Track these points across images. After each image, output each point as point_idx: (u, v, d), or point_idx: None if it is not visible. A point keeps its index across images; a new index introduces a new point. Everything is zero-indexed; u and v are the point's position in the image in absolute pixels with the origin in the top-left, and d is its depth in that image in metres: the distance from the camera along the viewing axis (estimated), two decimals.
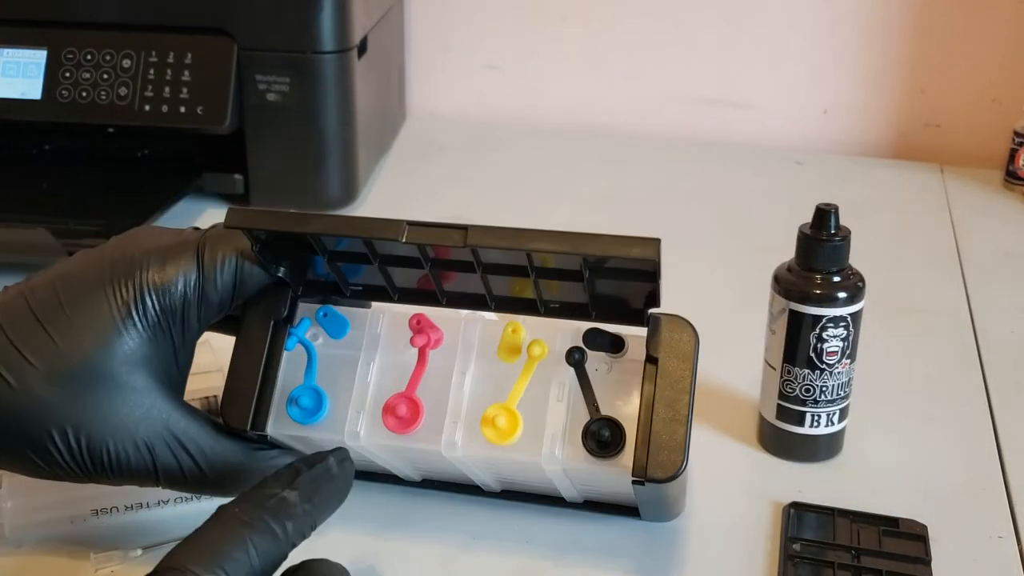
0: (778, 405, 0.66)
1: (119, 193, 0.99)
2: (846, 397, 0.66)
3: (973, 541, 0.62)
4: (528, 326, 0.54)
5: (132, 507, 0.61)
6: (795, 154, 1.20)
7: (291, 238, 0.52)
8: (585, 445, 0.52)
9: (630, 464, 0.51)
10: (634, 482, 0.51)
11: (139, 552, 0.59)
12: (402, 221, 0.50)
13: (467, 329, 0.55)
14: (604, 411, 0.52)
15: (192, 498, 0.62)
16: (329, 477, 0.48)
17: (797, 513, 0.62)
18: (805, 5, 1.19)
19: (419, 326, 0.54)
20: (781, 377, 0.66)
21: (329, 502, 0.48)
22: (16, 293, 0.52)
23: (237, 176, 1.00)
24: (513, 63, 1.28)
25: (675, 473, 0.50)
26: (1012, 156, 1.12)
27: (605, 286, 0.52)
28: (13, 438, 0.50)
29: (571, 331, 0.54)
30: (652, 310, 0.52)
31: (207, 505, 0.62)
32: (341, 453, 0.49)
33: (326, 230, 0.51)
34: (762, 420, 0.69)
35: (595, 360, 0.53)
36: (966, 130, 1.20)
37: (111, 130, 1.02)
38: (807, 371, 0.64)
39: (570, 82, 1.27)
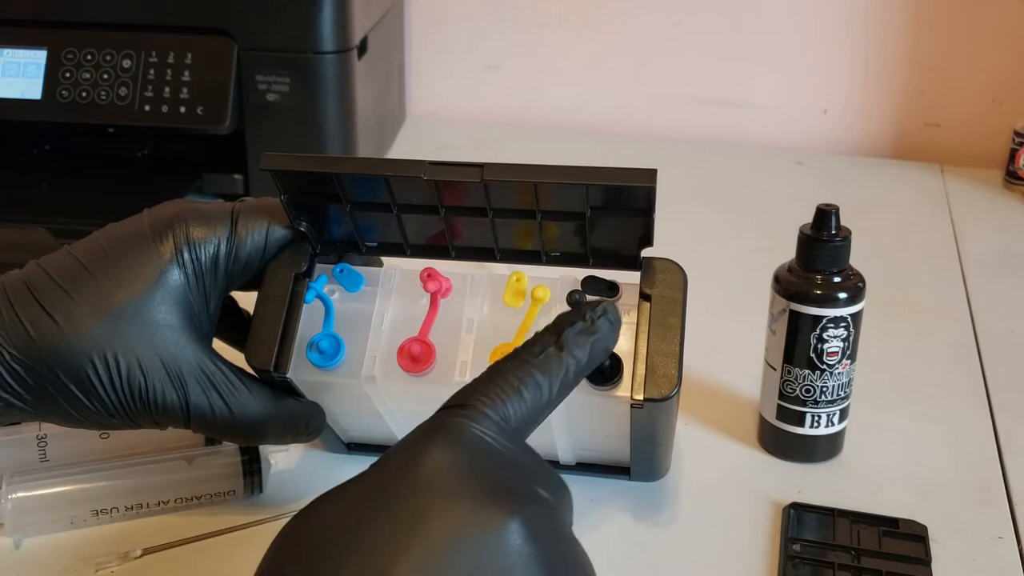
0: (778, 405, 0.66)
1: (119, 193, 0.99)
2: (846, 398, 0.66)
3: (973, 541, 0.62)
4: (530, 277, 0.58)
5: (132, 508, 0.61)
6: (795, 154, 1.20)
7: (319, 183, 0.56)
8: (587, 376, 0.55)
9: (628, 393, 0.54)
10: (633, 405, 0.54)
11: (139, 552, 0.59)
12: (424, 160, 0.54)
13: (474, 279, 0.59)
14: None
15: (193, 502, 0.62)
16: (590, 331, 0.49)
17: (797, 513, 0.62)
18: (805, 5, 1.19)
19: (429, 277, 0.58)
20: (781, 377, 0.66)
21: (592, 355, 0.49)
22: (61, 251, 0.56)
23: (237, 176, 1.00)
24: (513, 63, 1.28)
25: (670, 393, 0.54)
26: (1012, 156, 1.12)
27: (602, 231, 0.56)
28: (56, 373, 0.53)
29: (570, 280, 0.58)
30: (645, 252, 0.57)
31: (206, 510, 0.62)
32: (602, 307, 0.50)
33: (355, 169, 0.55)
34: (762, 420, 0.69)
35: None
36: (966, 130, 1.20)
37: (111, 130, 1.02)
38: (807, 371, 0.64)
39: (570, 82, 1.27)
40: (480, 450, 0.43)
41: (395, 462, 0.42)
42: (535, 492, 0.43)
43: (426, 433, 0.44)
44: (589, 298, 0.57)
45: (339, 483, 0.43)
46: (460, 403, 0.45)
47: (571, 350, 0.48)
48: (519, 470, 0.44)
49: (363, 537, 0.39)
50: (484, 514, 0.40)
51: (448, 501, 0.40)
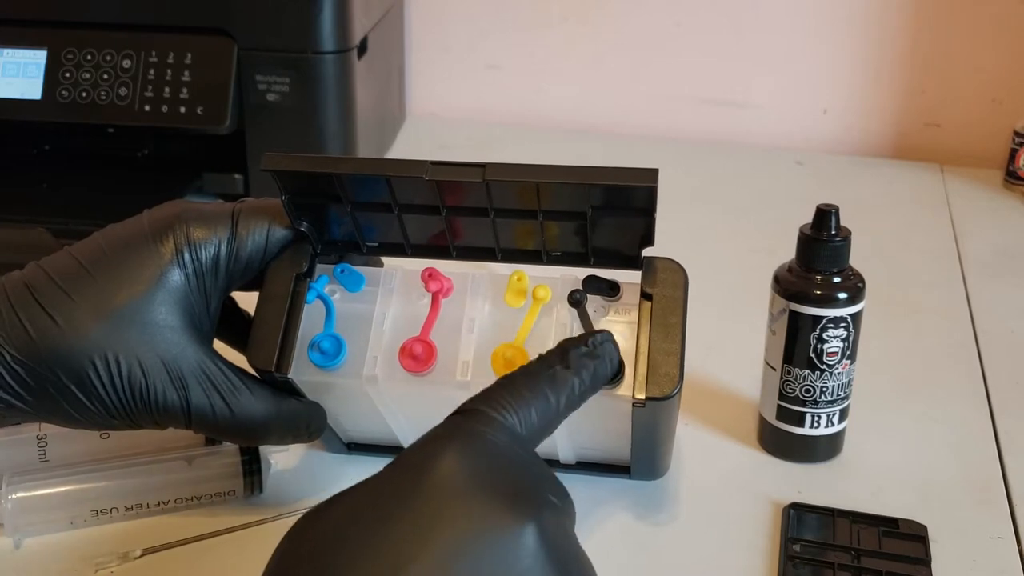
0: (778, 405, 0.66)
1: (119, 193, 0.99)
2: (846, 398, 0.66)
3: (973, 541, 0.62)
4: (531, 277, 0.58)
5: (132, 508, 0.61)
6: (795, 154, 1.20)
7: (320, 184, 0.56)
8: None
9: (630, 392, 0.54)
10: (635, 404, 0.54)
11: (139, 552, 0.59)
12: (426, 161, 0.54)
13: (475, 279, 0.59)
14: None
15: (193, 502, 0.62)
16: (593, 355, 0.51)
17: (797, 513, 0.62)
18: (805, 5, 1.19)
19: (431, 277, 0.58)
20: (781, 377, 0.66)
21: (595, 377, 0.50)
22: (61, 252, 0.56)
23: (237, 176, 1.00)
24: (513, 63, 1.28)
25: (671, 392, 0.54)
26: (1012, 156, 1.12)
27: (604, 231, 0.56)
28: (57, 375, 0.53)
29: (571, 280, 0.58)
30: (646, 251, 0.57)
31: (206, 510, 0.62)
32: (604, 335, 0.52)
33: (356, 170, 0.55)
34: (762, 420, 0.69)
35: (593, 303, 0.57)
36: (966, 130, 1.20)
37: (111, 130, 1.02)
38: (807, 371, 0.64)
39: (570, 82, 1.27)
40: (494, 454, 0.43)
41: (408, 465, 0.42)
42: (547, 497, 0.43)
43: (439, 437, 0.43)
44: (590, 298, 0.57)
45: (340, 484, 0.43)
46: (472, 408, 0.45)
47: (577, 370, 0.49)
48: (531, 475, 0.44)
49: (377, 537, 0.39)
50: (500, 517, 0.40)
51: (464, 503, 0.40)
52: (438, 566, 0.38)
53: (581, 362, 0.50)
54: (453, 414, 0.46)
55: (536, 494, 0.42)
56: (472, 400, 0.46)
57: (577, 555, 0.43)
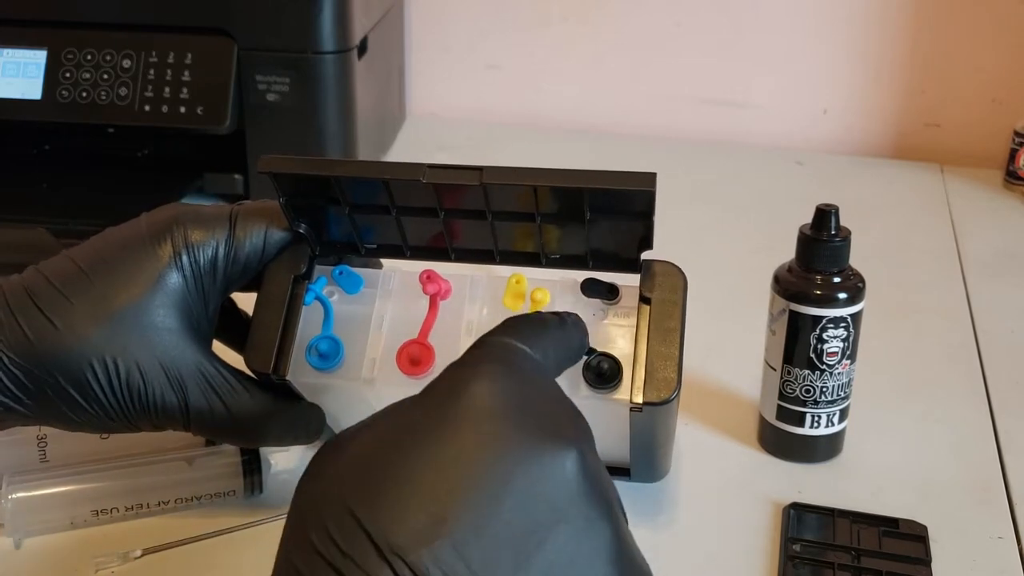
0: (778, 406, 0.67)
1: (119, 193, 0.99)
2: (846, 398, 0.66)
3: (973, 541, 0.62)
4: (530, 279, 0.58)
5: (132, 508, 0.61)
6: (795, 154, 1.20)
7: (318, 186, 0.56)
8: (585, 378, 0.55)
9: (627, 396, 0.54)
10: (632, 409, 0.54)
11: (139, 552, 0.59)
12: (423, 164, 0.54)
13: (474, 282, 0.58)
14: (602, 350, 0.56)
15: (192, 502, 0.62)
16: (579, 327, 0.50)
17: (797, 513, 0.62)
18: (805, 5, 1.19)
19: (429, 279, 0.58)
20: (781, 378, 0.66)
21: (580, 348, 0.51)
22: (59, 256, 0.56)
23: (237, 176, 1.00)
24: (513, 63, 1.28)
25: (669, 397, 0.54)
26: (1012, 156, 1.12)
27: (603, 234, 0.56)
28: (56, 378, 0.53)
29: (569, 283, 0.57)
30: (645, 255, 0.56)
31: (206, 510, 0.62)
32: (573, 316, 0.51)
33: (353, 173, 0.55)
34: (762, 420, 0.69)
35: (592, 306, 0.57)
36: (966, 130, 1.20)
37: (111, 130, 1.02)
38: (807, 372, 0.64)
39: (570, 82, 1.27)
40: (525, 381, 0.42)
41: (438, 393, 0.41)
42: (582, 425, 0.42)
43: (466, 367, 0.42)
44: (588, 301, 0.57)
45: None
46: (493, 339, 0.44)
47: (574, 330, 0.49)
48: (563, 404, 0.43)
49: (421, 459, 0.38)
50: (541, 442, 0.39)
51: (503, 428, 0.39)
52: (487, 485, 0.37)
53: (576, 328, 0.50)
54: (473, 347, 0.44)
55: (572, 421, 0.42)
56: (491, 333, 0.45)
57: (608, 481, 0.42)
